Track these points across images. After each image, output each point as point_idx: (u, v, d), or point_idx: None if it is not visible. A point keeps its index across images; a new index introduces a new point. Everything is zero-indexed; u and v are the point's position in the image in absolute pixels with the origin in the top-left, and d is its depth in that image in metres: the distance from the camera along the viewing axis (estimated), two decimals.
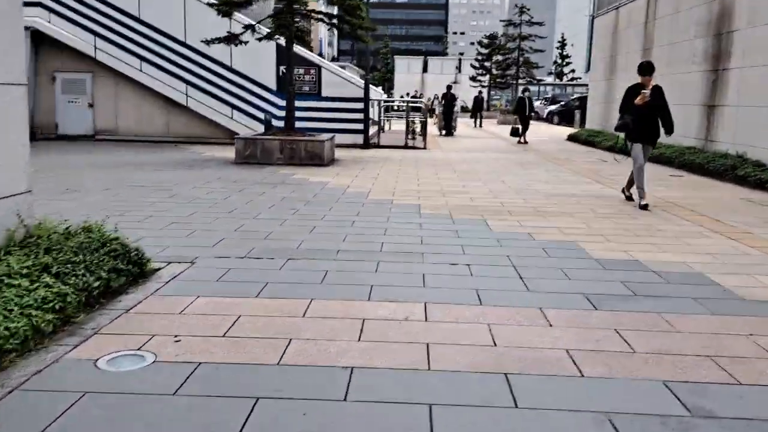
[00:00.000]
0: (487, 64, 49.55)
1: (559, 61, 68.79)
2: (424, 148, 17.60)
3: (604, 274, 4.89)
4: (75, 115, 17.56)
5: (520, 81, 44.11)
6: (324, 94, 17.12)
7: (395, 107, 28.00)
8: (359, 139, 17.14)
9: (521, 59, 44.39)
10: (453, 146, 19.11)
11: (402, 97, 43.05)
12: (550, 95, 47.81)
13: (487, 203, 8.23)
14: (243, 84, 17.18)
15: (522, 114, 20.59)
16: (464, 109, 36.29)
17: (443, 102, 25.61)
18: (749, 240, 6.24)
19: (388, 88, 64.27)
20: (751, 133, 11.70)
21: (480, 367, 3.10)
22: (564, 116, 37.60)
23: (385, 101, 25.28)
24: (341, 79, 17.33)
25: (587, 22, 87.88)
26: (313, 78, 17.11)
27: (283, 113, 17.40)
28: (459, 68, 62.19)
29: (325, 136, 13.02)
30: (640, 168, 8.22)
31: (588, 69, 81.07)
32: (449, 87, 26.25)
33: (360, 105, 17.11)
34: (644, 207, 7.95)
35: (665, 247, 5.84)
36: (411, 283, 4.51)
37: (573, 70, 71.32)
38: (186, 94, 17.15)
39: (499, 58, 47.62)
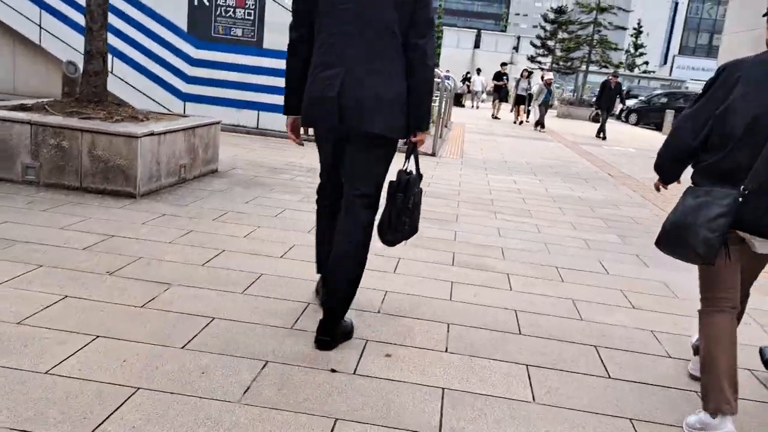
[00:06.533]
0: (550, 43, 40.78)
1: (632, 50, 59.34)
2: (432, 154, 10.07)
3: None
4: None
5: (591, 67, 35.24)
6: (267, 45, 9.80)
7: None
8: None
9: (596, 37, 34.58)
10: (486, 154, 11.53)
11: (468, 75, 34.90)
12: (625, 88, 39.14)
13: None
14: (131, 15, 9.93)
15: None
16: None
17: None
18: None
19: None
20: None
21: None
22: (644, 115, 29.37)
23: None
24: None
25: (668, 9, 77.38)
26: (250, 14, 9.76)
27: (192, 69, 10.17)
28: (516, 48, 53.53)
29: (154, 125, 5.53)
30: None
31: (665, 62, 71.33)
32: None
33: None
34: None
35: None
36: None
37: (646, 62, 62.20)
38: (40, 26, 10.00)
39: (566, 35, 38.67)
